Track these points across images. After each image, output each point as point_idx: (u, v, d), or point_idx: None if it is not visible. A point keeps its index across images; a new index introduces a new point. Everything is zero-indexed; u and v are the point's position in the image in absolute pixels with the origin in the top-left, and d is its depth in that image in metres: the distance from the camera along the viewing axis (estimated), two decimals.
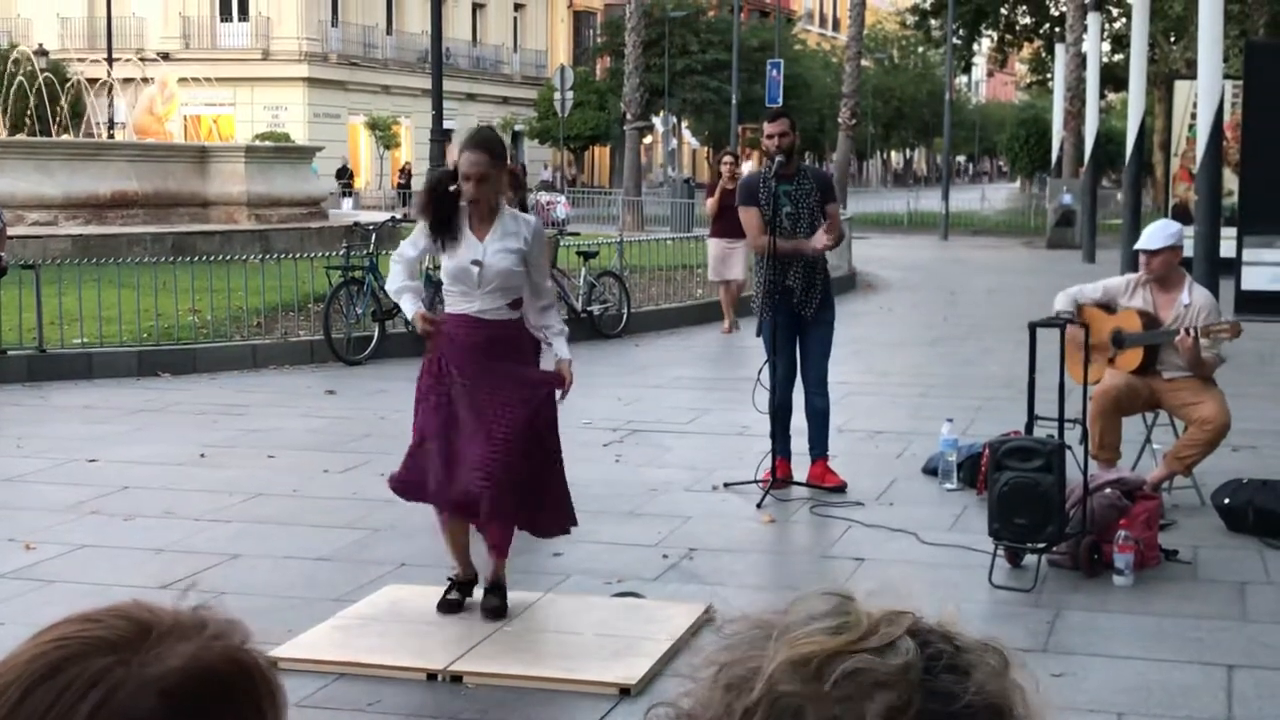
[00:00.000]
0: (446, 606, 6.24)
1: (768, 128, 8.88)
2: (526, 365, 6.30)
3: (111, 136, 32.68)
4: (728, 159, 17.62)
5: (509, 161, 6.42)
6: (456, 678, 5.58)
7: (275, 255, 16.21)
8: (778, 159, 8.71)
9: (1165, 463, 8.26)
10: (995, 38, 51.39)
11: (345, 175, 47.40)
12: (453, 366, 6.05)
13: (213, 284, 15.08)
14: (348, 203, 42.19)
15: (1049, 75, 46.52)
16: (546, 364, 6.56)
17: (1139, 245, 8.32)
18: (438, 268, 15.08)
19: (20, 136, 25.69)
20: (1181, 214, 21.00)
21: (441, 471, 6.05)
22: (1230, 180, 20.06)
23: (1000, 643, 0.97)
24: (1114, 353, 8.23)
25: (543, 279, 6.32)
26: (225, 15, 51.79)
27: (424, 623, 6.11)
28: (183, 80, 28.87)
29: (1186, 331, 7.95)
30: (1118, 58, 43.35)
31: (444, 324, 6.16)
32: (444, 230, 6.06)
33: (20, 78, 27.85)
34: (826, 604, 0.96)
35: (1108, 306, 8.29)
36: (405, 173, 49.37)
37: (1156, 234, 8.29)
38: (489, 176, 5.98)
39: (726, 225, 15.67)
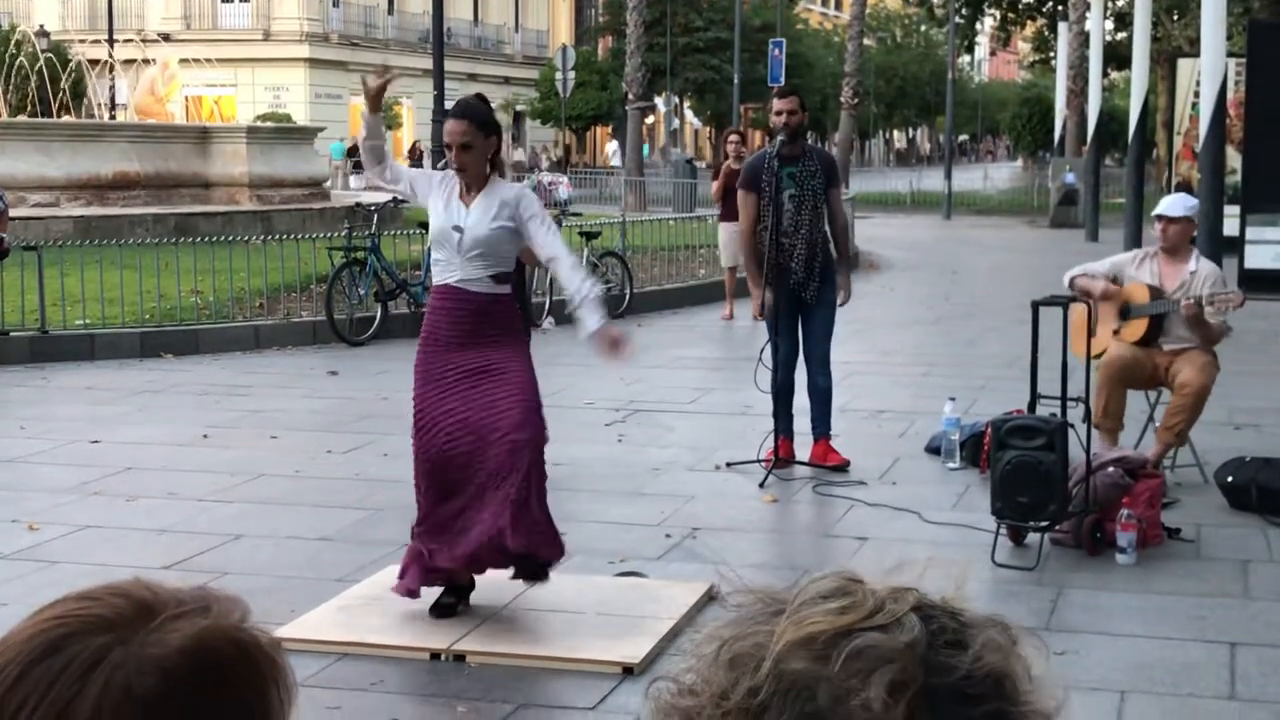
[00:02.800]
0: (440, 610, 5.99)
1: (777, 103, 8.84)
2: (511, 373, 5.92)
3: (113, 118, 32.63)
4: (733, 138, 16.83)
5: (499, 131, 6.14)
6: (459, 657, 5.58)
7: (277, 236, 16.20)
8: (780, 139, 8.69)
9: (1158, 437, 8.30)
10: (998, 16, 51.26)
11: (356, 154, 47.40)
12: (446, 353, 5.88)
13: (215, 265, 15.07)
14: (357, 180, 42.26)
15: (1052, 54, 46.42)
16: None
17: (1159, 211, 8.36)
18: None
19: (22, 118, 25.69)
20: (1185, 192, 20.95)
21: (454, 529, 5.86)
22: (1234, 158, 20.04)
23: (1006, 618, 0.97)
24: (1119, 324, 8.27)
25: (546, 237, 5.95)
26: None
27: (427, 603, 6.11)
28: (184, 61, 28.82)
29: (1195, 301, 7.99)
30: (1121, 36, 43.25)
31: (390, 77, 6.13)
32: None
33: (21, 59, 27.81)
34: (832, 583, 0.96)
35: (1115, 281, 8.32)
36: (416, 153, 49.22)
37: (1177, 203, 8.40)
38: (472, 145, 5.84)
39: (733, 208, 15.20)
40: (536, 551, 5.87)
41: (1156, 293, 8.22)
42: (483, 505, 5.81)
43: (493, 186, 5.95)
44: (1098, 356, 8.12)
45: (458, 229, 5.87)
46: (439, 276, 6.03)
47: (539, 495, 5.85)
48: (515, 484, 5.74)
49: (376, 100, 6.03)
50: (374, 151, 6.18)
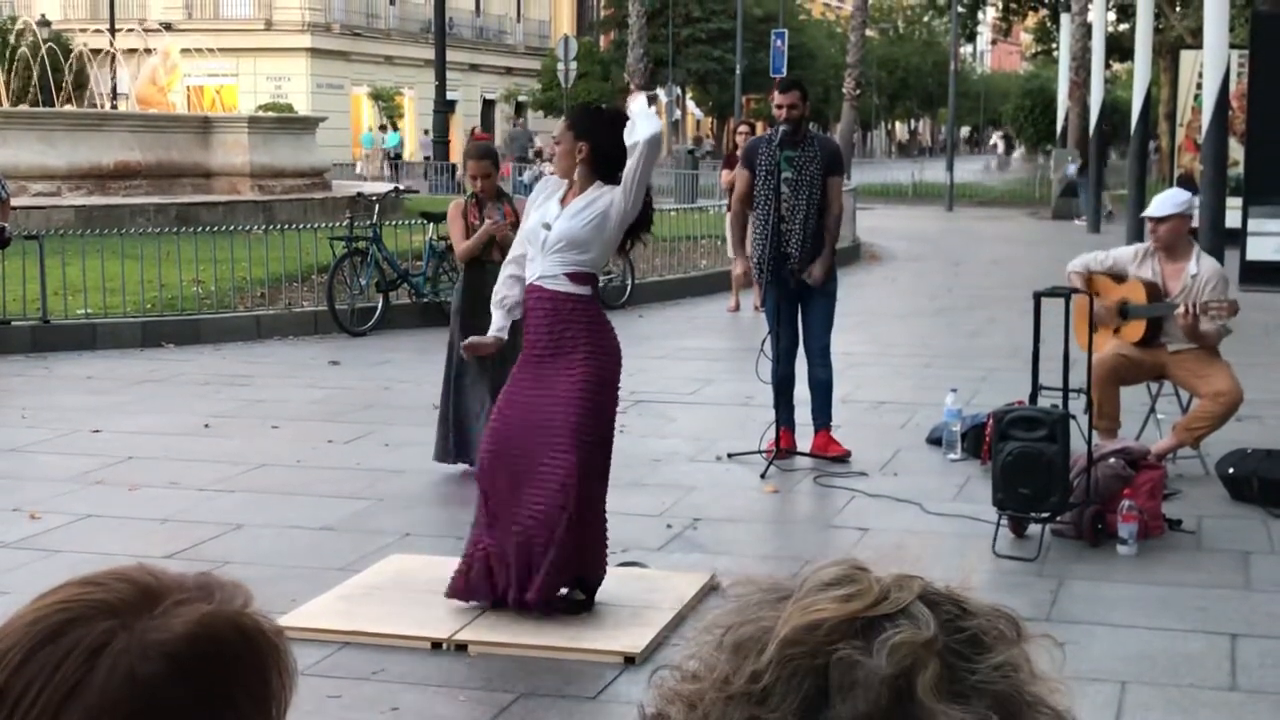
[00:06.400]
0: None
1: (779, 98, 8.84)
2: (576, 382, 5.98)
3: (114, 107, 32.59)
4: (743, 129, 16.94)
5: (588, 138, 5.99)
6: (461, 646, 5.59)
7: (279, 226, 16.18)
8: (782, 128, 8.69)
9: (1175, 434, 8.26)
10: (1000, 6, 51.21)
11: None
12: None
13: (216, 255, 15.06)
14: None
15: (1054, 45, 46.39)
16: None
17: (1147, 212, 8.30)
18: (442, 238, 14.94)
19: (23, 107, 25.64)
20: (1187, 184, 20.93)
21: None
22: (1236, 150, 20.00)
23: (1011, 609, 0.97)
24: (1119, 323, 8.23)
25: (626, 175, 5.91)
26: None
27: (428, 592, 6.11)
28: (185, 51, 28.77)
29: (1187, 309, 7.92)
30: (1123, 27, 43.21)
31: (491, 347, 6.26)
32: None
33: (23, 49, 27.79)
34: (837, 571, 0.96)
35: (1116, 275, 8.28)
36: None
37: (1165, 201, 8.27)
38: (559, 140, 6.08)
39: None
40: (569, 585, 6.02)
41: (1154, 292, 8.17)
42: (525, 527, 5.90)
43: (595, 191, 5.97)
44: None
45: (546, 226, 5.94)
46: (526, 277, 6.09)
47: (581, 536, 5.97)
48: (555, 544, 5.84)
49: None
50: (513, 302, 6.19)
